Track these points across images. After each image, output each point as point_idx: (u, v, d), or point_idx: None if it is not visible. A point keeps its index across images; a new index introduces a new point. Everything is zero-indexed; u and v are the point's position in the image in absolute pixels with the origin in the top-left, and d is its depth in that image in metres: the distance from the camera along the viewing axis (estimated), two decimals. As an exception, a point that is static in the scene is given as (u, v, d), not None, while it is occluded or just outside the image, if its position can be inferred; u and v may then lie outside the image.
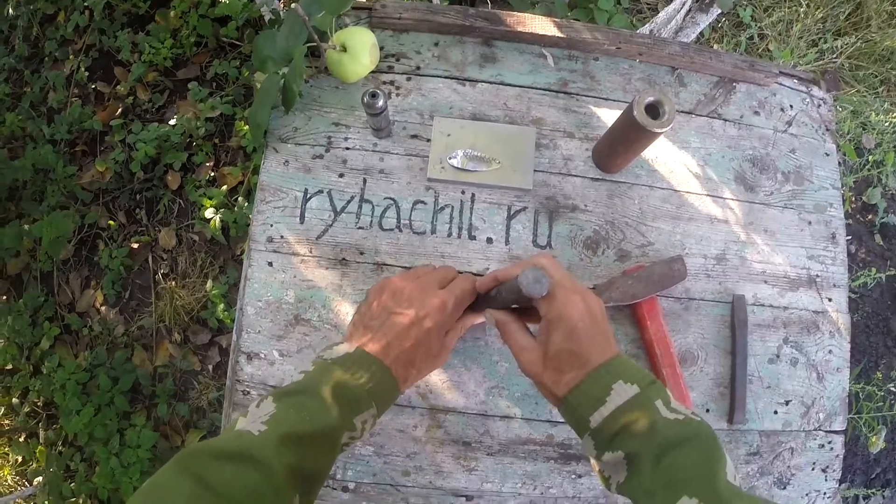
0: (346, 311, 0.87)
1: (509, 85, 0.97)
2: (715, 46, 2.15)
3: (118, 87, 2.03)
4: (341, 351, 0.66)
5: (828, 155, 1.02)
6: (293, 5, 0.82)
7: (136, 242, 1.91)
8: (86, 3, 2.08)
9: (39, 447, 1.83)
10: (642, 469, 0.55)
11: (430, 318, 0.67)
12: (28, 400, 1.86)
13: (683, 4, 1.33)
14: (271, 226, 0.89)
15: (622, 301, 0.86)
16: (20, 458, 1.85)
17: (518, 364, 0.65)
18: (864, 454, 1.94)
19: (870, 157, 2.13)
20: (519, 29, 0.96)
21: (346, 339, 0.70)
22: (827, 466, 0.92)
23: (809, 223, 0.98)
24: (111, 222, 1.93)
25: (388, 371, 0.65)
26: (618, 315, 0.90)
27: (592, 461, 0.62)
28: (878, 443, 1.88)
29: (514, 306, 0.69)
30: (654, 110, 0.78)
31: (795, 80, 1.05)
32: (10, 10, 2.16)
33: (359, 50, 0.87)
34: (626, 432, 0.56)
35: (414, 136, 0.93)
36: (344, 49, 0.87)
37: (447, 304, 0.69)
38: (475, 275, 0.88)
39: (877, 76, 2.30)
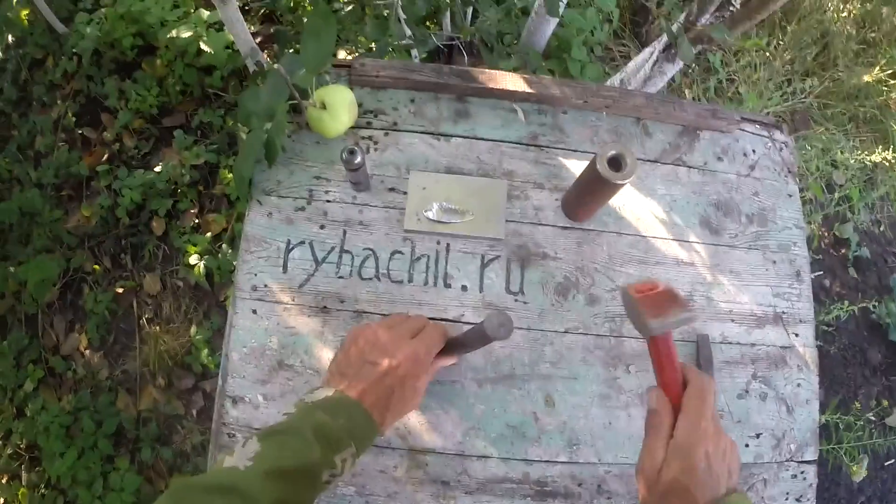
0: (327, 356, 0.89)
1: (482, 139, 1.02)
2: (685, 91, 2.22)
3: (105, 133, 2.07)
4: (322, 394, 0.70)
5: (790, 196, 1.06)
6: (276, 65, 0.86)
7: (121, 287, 1.92)
8: (74, 50, 2.12)
9: (22, 489, 1.81)
10: None
11: (402, 366, 0.73)
12: (11, 442, 1.85)
13: (651, 55, 1.39)
14: (255, 275, 0.92)
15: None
16: (2, 500, 1.83)
17: (639, 463, 0.64)
18: (847, 483, 1.96)
19: (839, 193, 2.20)
20: (490, 85, 1.01)
21: (325, 384, 0.74)
22: (801, 496, 0.94)
23: (774, 262, 1.02)
24: (96, 267, 1.95)
25: (366, 413, 0.69)
26: (600, 370, 0.93)
27: None
28: (860, 472, 1.91)
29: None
30: (616, 163, 0.82)
31: (757, 125, 1.09)
32: (0, 54, 2.20)
33: (338, 107, 0.91)
34: None
35: (391, 190, 0.97)
36: (324, 106, 0.91)
37: (419, 353, 0.74)
38: (449, 321, 0.92)
39: (845, 114, 2.38)
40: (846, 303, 2.05)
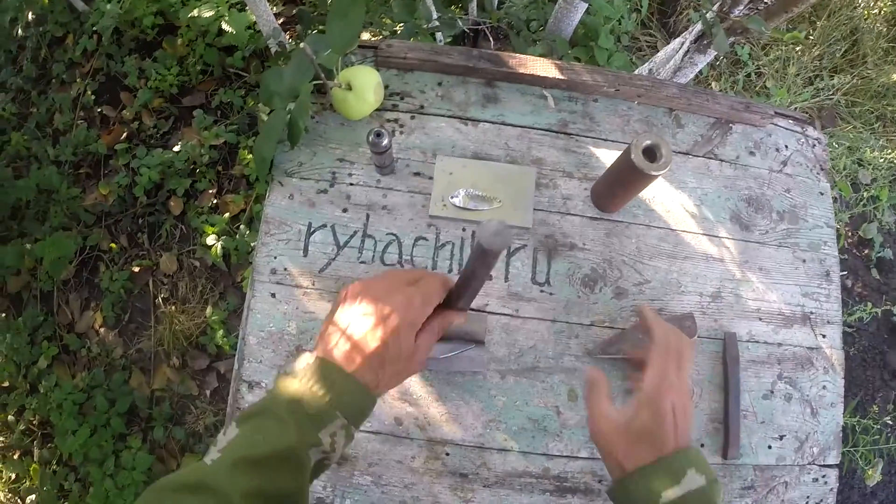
0: (347, 343, 0.88)
1: (511, 125, 0.99)
2: (713, 84, 2.19)
3: (124, 111, 2.06)
4: (302, 363, 0.61)
5: (822, 194, 1.04)
6: (301, 44, 0.84)
7: (138, 266, 1.92)
8: (94, 28, 2.11)
9: (34, 465, 1.82)
10: None
11: (395, 315, 0.62)
12: (24, 418, 1.86)
13: (682, 45, 1.36)
14: (275, 258, 0.91)
15: (632, 355, 0.87)
16: (14, 476, 1.85)
17: (591, 427, 0.66)
18: (860, 487, 1.94)
19: (865, 193, 2.16)
20: (521, 70, 0.98)
21: (313, 350, 0.64)
22: (821, 500, 0.92)
23: (804, 261, 0.99)
24: (113, 245, 1.94)
25: (351, 378, 0.60)
26: (625, 368, 0.91)
27: None
28: (874, 476, 1.88)
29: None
30: (651, 153, 0.80)
31: (791, 121, 1.07)
32: (20, 31, 2.19)
33: (364, 89, 0.90)
34: None
35: (417, 174, 0.96)
36: (349, 87, 0.89)
37: (413, 301, 0.63)
38: (473, 311, 0.90)
39: (873, 112, 2.33)
40: (870, 304, 2.01)
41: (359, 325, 0.62)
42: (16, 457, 1.86)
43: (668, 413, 0.62)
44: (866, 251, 2.17)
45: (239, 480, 0.53)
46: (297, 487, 0.56)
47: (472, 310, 0.90)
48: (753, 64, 2.21)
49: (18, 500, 1.83)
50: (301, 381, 0.59)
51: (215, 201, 1.95)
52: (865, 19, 2.45)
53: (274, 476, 0.55)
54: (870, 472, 1.89)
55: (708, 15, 1.12)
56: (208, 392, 1.83)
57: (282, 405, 0.57)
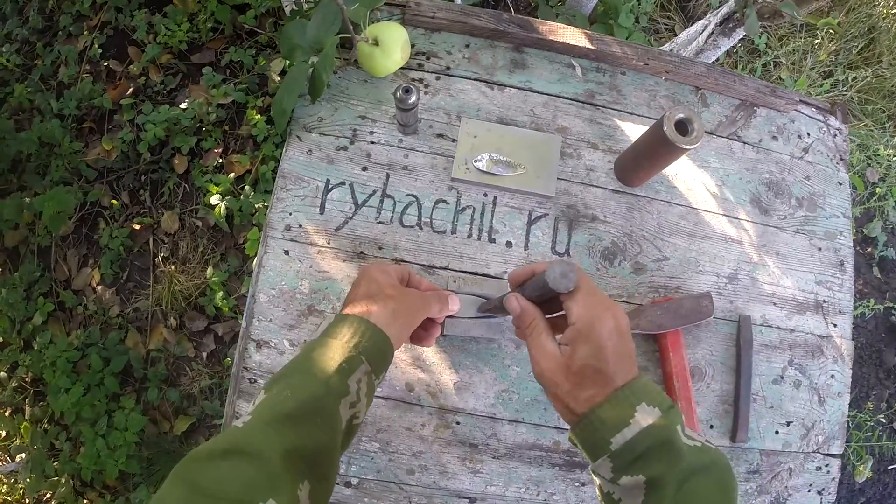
0: (360, 304, 0.87)
1: (537, 92, 0.98)
2: (729, 71, 2.17)
3: (131, 66, 2.02)
4: (324, 325, 0.66)
5: (841, 184, 1.03)
6: (327, -4, 0.82)
7: (138, 224, 1.89)
8: (104, -20, 2.07)
9: (25, 423, 1.80)
10: (664, 494, 0.51)
11: (394, 271, 0.72)
12: (16, 375, 1.84)
13: (706, 27, 1.34)
14: (290, 214, 0.89)
15: (649, 330, 0.86)
16: (4, 433, 1.83)
17: (534, 369, 0.61)
18: (849, 483, 1.95)
19: (877, 190, 2.15)
20: (550, 38, 0.96)
21: None
22: (823, 489, 0.92)
23: (819, 249, 0.99)
24: (114, 202, 1.91)
25: (370, 322, 0.63)
26: (641, 343, 0.90)
27: (600, 482, 0.58)
28: (864, 472, 1.90)
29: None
30: (683, 127, 0.78)
31: (814, 109, 1.06)
32: (28, -18, 2.14)
33: (391, 45, 0.87)
34: (648, 456, 0.53)
35: (440, 136, 0.94)
36: (376, 43, 0.87)
37: (404, 269, 0.75)
38: (490, 276, 0.88)
39: (884, 111, 2.32)
40: (871, 301, 2.02)
41: (371, 289, 0.68)
42: (7, 414, 1.84)
43: (606, 343, 0.56)
44: (869, 249, 2.17)
45: (273, 439, 0.53)
46: (332, 441, 0.57)
47: (491, 276, 0.89)
48: (771, 53, 2.20)
49: (8, 458, 1.82)
50: (326, 334, 0.61)
51: (221, 161, 1.92)
52: (884, 18, 2.43)
53: (308, 430, 0.55)
54: (860, 469, 1.90)
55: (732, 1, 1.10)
56: (205, 354, 1.81)
57: (308, 360, 0.59)
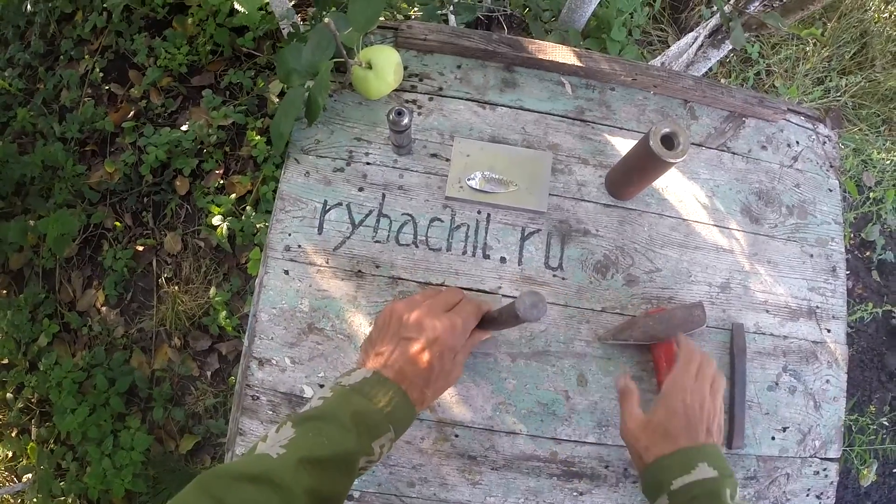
0: (359, 322, 0.88)
1: (528, 110, 1.00)
2: (723, 81, 2.18)
3: (132, 89, 2.05)
4: (359, 376, 0.67)
5: (831, 191, 1.05)
6: (325, 20, 0.84)
7: (141, 245, 1.92)
8: (104, 5, 2.10)
9: (31, 444, 1.82)
10: None
11: (440, 341, 0.69)
12: (22, 396, 1.85)
13: (696, 39, 1.36)
14: (289, 235, 0.91)
15: (642, 340, 0.88)
16: (10, 454, 1.85)
17: (621, 427, 0.78)
18: (855, 487, 1.95)
19: (871, 195, 2.17)
20: (540, 56, 0.98)
21: (360, 364, 0.72)
22: (821, 493, 0.93)
23: (811, 256, 1.00)
24: (117, 223, 1.94)
25: (404, 395, 0.66)
26: (636, 353, 0.92)
27: None
28: (869, 476, 1.90)
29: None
30: (669, 141, 0.80)
31: (803, 118, 1.07)
32: (29, 7, 2.18)
33: (384, 68, 0.90)
34: (700, 500, 0.65)
35: (434, 155, 0.96)
36: (370, 66, 0.89)
37: (456, 326, 0.71)
38: (486, 293, 0.90)
39: (879, 115, 2.34)
40: (870, 305, 2.02)
41: (406, 349, 0.69)
42: (13, 435, 1.86)
43: (678, 411, 0.71)
44: (868, 253, 2.18)
45: (302, 478, 0.57)
46: (346, 489, 0.62)
47: (486, 292, 0.91)
48: (763, 62, 2.22)
49: (15, 479, 1.83)
50: (362, 393, 0.65)
51: (222, 182, 1.94)
52: (876, 23, 2.45)
53: (331, 477, 0.60)
54: (865, 472, 1.90)
55: (726, 7, 1.12)
56: (209, 373, 1.83)
57: (344, 414, 0.62)
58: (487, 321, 0.75)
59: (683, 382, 0.74)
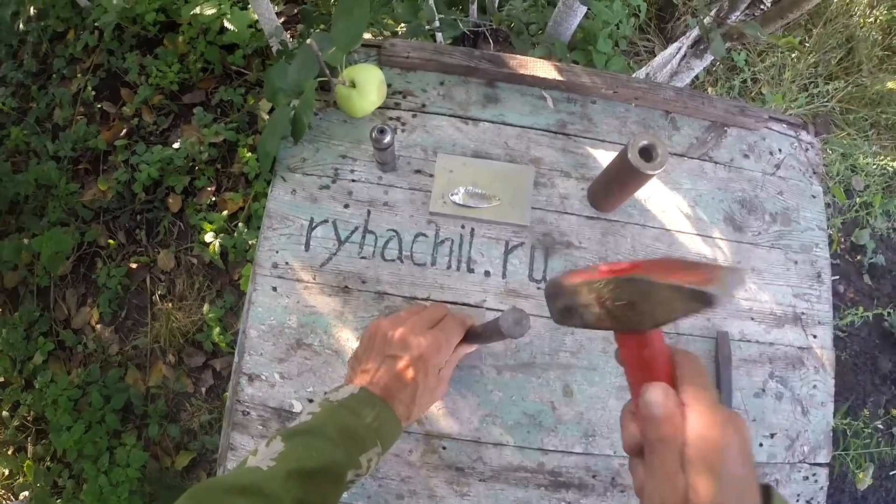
0: (346, 337, 0.89)
1: (510, 125, 1.01)
2: (709, 89, 2.21)
3: (124, 108, 2.07)
4: (346, 392, 0.69)
5: (814, 197, 1.05)
6: (307, 40, 0.85)
7: (135, 262, 1.93)
8: (96, 24, 2.12)
9: (27, 461, 1.82)
10: None
11: (424, 357, 0.71)
12: (18, 413, 1.86)
13: (679, 49, 1.38)
14: (277, 252, 0.92)
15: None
16: (7, 472, 1.85)
17: (650, 494, 0.45)
18: (851, 491, 1.95)
19: (858, 199, 2.18)
20: (521, 71, 1.00)
21: (347, 381, 0.74)
22: (811, 499, 0.93)
23: (796, 262, 1.01)
24: (111, 241, 1.95)
25: (391, 410, 0.68)
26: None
27: None
28: (865, 479, 1.90)
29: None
30: (647, 153, 0.81)
31: (784, 125, 1.09)
32: (21, 26, 2.19)
33: (367, 86, 0.91)
34: None
35: (417, 171, 0.97)
36: (353, 85, 0.91)
37: (440, 343, 0.73)
38: (470, 306, 0.91)
39: (867, 119, 2.36)
40: (861, 309, 2.03)
41: (391, 366, 0.71)
42: (10, 452, 1.86)
43: (735, 470, 0.42)
44: (859, 257, 2.19)
45: (292, 489, 0.58)
46: (333, 502, 0.63)
47: (471, 306, 0.92)
48: (749, 70, 2.24)
49: (11, 496, 1.83)
50: (349, 408, 0.66)
51: (214, 199, 1.95)
52: (861, 27, 2.48)
53: (320, 489, 0.61)
54: (861, 476, 1.90)
55: (705, 20, 1.14)
56: (204, 389, 1.83)
57: (332, 428, 0.64)
58: (471, 336, 0.77)
59: (721, 420, 0.43)
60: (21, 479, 1.83)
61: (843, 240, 2.20)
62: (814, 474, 0.94)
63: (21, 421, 1.86)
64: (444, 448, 0.87)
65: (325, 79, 0.90)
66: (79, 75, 2.13)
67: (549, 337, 0.92)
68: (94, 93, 2.10)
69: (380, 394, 0.68)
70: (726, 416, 0.44)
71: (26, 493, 1.80)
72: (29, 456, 1.84)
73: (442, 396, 0.77)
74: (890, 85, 2.40)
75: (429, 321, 0.76)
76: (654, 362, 0.47)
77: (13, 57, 2.21)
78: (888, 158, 2.26)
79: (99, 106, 2.10)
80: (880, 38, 2.50)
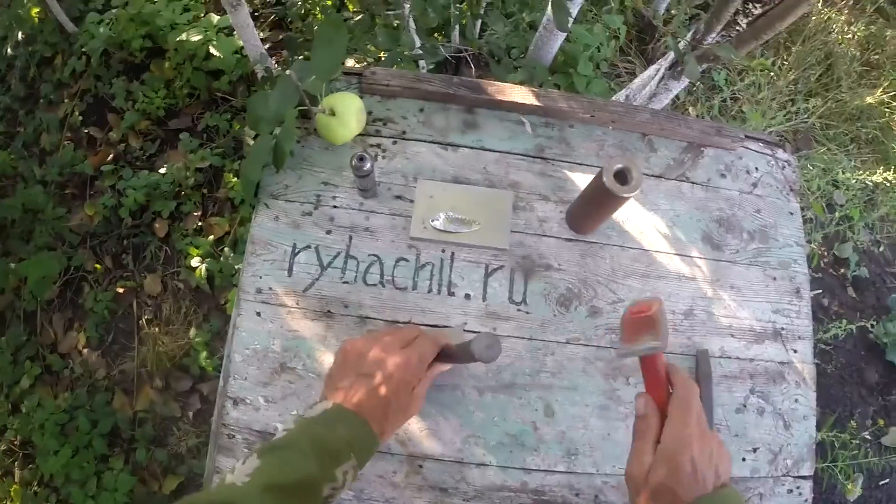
0: (330, 361, 0.90)
1: (489, 150, 1.03)
2: (690, 109, 2.24)
3: (111, 133, 2.08)
4: (320, 409, 0.70)
5: (792, 214, 1.07)
6: (287, 71, 0.87)
7: (122, 287, 1.93)
8: (83, 49, 2.14)
9: (14, 486, 1.81)
10: None
11: (396, 375, 0.73)
12: (5, 438, 1.84)
13: (657, 72, 1.40)
14: (260, 277, 0.93)
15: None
16: (-6, 497, 1.83)
17: (628, 468, 0.67)
18: (841, 502, 1.96)
19: (839, 213, 2.21)
20: (499, 98, 1.02)
21: (322, 399, 0.74)
22: (796, 510, 0.94)
23: (774, 279, 1.03)
24: (97, 266, 1.95)
25: (365, 424, 0.69)
26: (600, 381, 0.94)
27: None
28: (855, 490, 1.90)
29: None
30: (622, 176, 0.83)
31: (761, 144, 1.11)
32: (9, 50, 2.21)
33: (346, 114, 0.93)
34: None
35: (398, 197, 0.98)
36: (333, 113, 0.92)
37: (411, 361, 0.75)
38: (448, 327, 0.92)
39: (847, 134, 2.39)
40: (844, 321, 2.05)
41: (363, 384, 0.72)
42: (-3, 477, 1.84)
43: (685, 466, 0.62)
44: (842, 270, 2.22)
45: (267, 503, 0.59)
46: None
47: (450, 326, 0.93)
48: (729, 89, 2.27)
49: (-1, 521, 1.81)
50: (323, 423, 0.68)
51: (200, 224, 1.96)
52: (839, 44, 2.53)
53: (295, 503, 0.62)
54: (850, 487, 1.91)
55: (680, 44, 1.17)
56: (191, 414, 1.83)
57: (306, 442, 0.65)
58: (445, 356, 0.78)
59: (687, 434, 0.64)
60: (9, 504, 1.82)
61: (825, 254, 2.22)
62: (798, 487, 0.95)
63: (8, 445, 1.85)
64: (427, 469, 0.88)
65: (306, 107, 0.91)
66: (66, 100, 2.15)
67: (530, 358, 0.93)
68: (81, 118, 2.11)
69: (353, 409, 0.70)
70: (696, 433, 0.64)
71: (13, 518, 1.78)
72: (16, 480, 1.82)
73: (416, 413, 0.78)
74: (869, 100, 2.45)
75: (401, 341, 0.77)
76: (647, 376, 0.69)
77: (1, 81, 2.22)
78: (867, 172, 2.29)
79: (86, 131, 2.11)
80: (858, 53, 2.55)
